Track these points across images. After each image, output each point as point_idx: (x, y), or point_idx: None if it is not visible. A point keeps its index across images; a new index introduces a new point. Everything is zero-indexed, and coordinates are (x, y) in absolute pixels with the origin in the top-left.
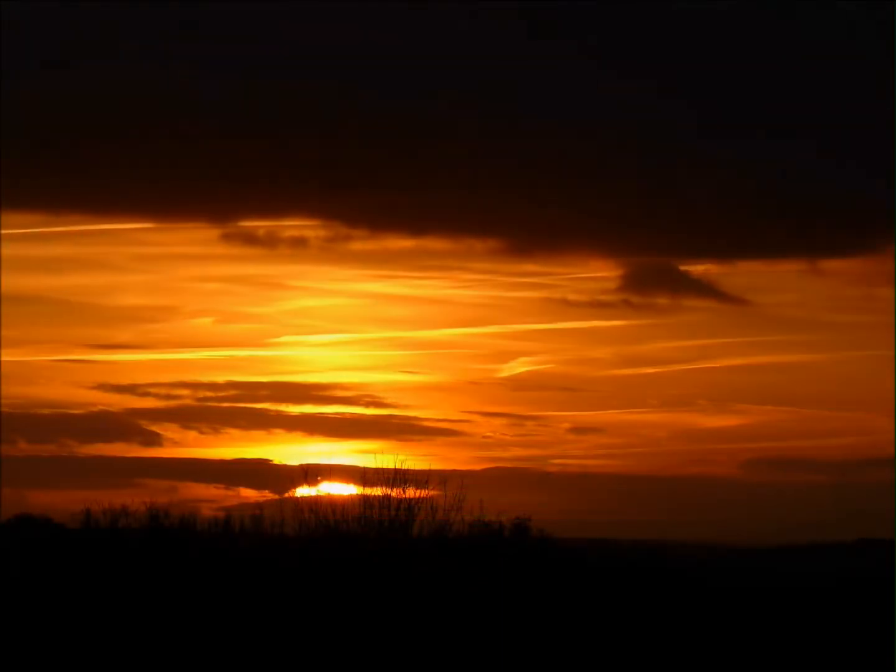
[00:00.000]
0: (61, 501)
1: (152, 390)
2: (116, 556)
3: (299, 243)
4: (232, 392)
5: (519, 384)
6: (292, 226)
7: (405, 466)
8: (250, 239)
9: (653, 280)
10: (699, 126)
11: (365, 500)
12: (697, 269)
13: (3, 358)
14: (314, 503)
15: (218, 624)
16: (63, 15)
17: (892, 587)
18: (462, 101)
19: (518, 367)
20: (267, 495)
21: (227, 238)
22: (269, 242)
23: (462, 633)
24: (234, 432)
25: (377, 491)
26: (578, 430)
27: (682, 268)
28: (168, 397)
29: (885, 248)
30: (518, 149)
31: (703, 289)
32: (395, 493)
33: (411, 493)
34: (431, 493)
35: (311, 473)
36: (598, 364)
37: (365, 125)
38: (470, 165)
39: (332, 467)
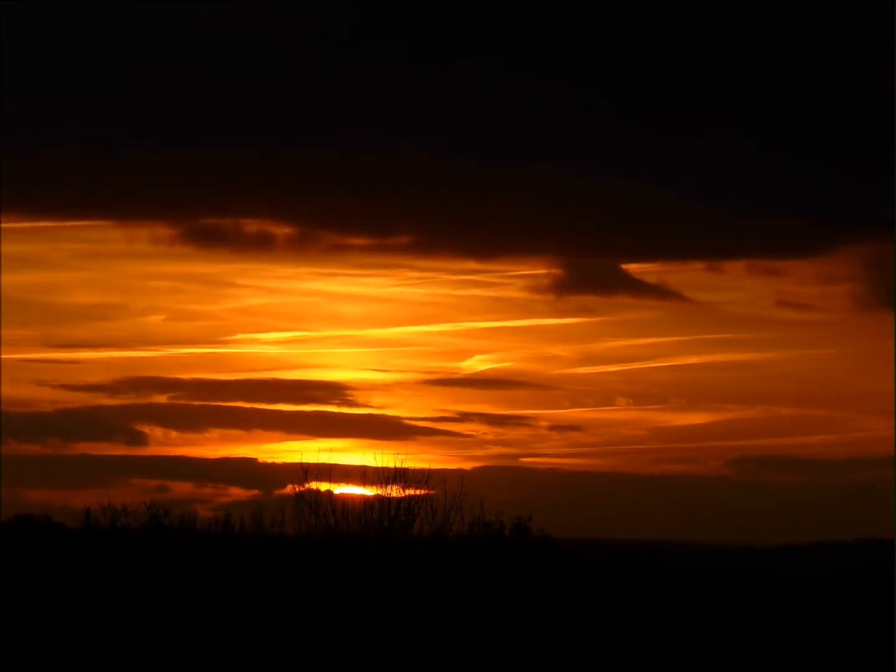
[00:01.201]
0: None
1: (121, 388)
2: (116, 555)
3: (247, 241)
4: (201, 390)
5: (486, 382)
6: (241, 224)
7: (404, 466)
8: (198, 237)
9: (597, 279)
10: (640, 126)
11: (365, 499)
12: (640, 268)
13: None
14: (314, 502)
15: (218, 623)
16: None
17: (892, 587)
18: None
19: (478, 365)
20: (258, 494)
21: (175, 236)
22: (217, 240)
23: (462, 632)
24: (214, 431)
25: (377, 490)
26: (557, 427)
27: (626, 267)
28: (139, 395)
29: (831, 249)
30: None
31: (648, 288)
32: (395, 492)
33: (411, 492)
34: (430, 492)
35: (310, 473)
36: (560, 362)
37: (319, 126)
38: (417, 166)
39: (331, 467)
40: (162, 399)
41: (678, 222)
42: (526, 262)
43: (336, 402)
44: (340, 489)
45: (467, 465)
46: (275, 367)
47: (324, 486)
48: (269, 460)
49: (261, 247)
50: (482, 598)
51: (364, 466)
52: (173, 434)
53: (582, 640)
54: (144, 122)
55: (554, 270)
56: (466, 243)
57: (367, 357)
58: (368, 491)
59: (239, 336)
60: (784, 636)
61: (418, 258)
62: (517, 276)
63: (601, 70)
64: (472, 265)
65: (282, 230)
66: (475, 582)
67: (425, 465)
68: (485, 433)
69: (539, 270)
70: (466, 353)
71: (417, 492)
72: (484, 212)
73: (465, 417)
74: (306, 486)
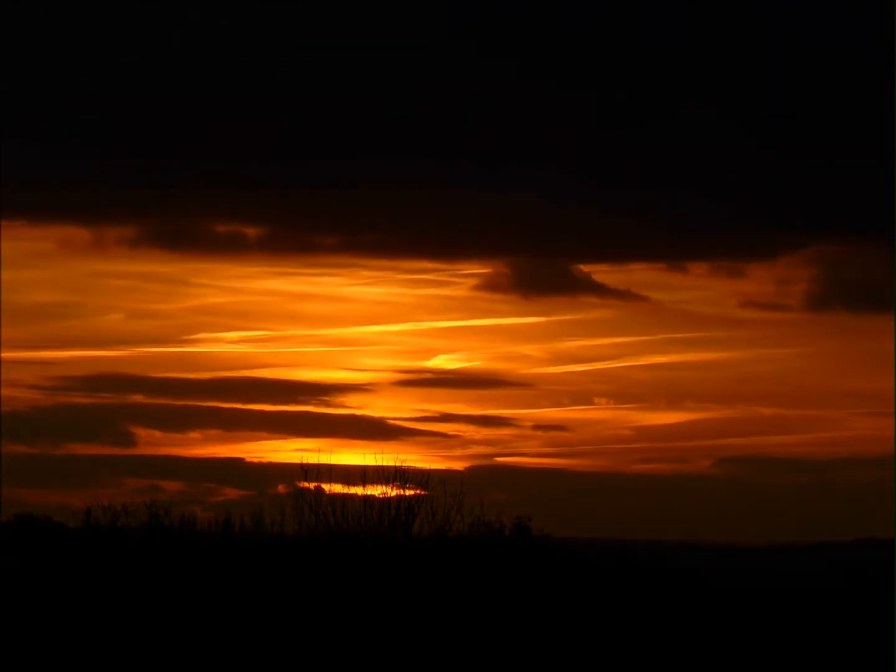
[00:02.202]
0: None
1: (96, 387)
2: (116, 555)
3: (204, 241)
4: (175, 389)
5: (462, 382)
6: (198, 224)
7: (404, 465)
8: (156, 236)
9: (558, 279)
10: (599, 123)
11: (365, 499)
12: (599, 269)
13: None
14: (314, 502)
15: (218, 623)
16: None
17: (892, 587)
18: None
19: (445, 364)
20: (250, 493)
21: (133, 235)
22: (174, 240)
23: (462, 632)
24: (195, 430)
25: (376, 490)
26: (541, 427)
27: (585, 268)
28: (115, 394)
29: (792, 251)
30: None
31: (608, 289)
32: (393, 492)
33: (402, 492)
34: (421, 492)
35: (309, 473)
36: (531, 361)
37: (274, 125)
38: (366, 163)
39: (331, 467)
40: (139, 398)
41: (639, 223)
42: (483, 261)
43: (314, 402)
44: (331, 488)
45: (458, 465)
46: (243, 366)
47: (322, 486)
48: (256, 460)
49: (218, 246)
50: (482, 598)
51: (364, 466)
52: (157, 434)
53: (582, 640)
54: (107, 125)
55: (508, 270)
56: (423, 242)
57: (334, 357)
58: (359, 491)
59: (202, 335)
60: (784, 636)
61: (374, 257)
62: (472, 275)
63: (565, 71)
64: (428, 264)
65: (240, 230)
66: (475, 582)
67: (423, 466)
68: (470, 433)
69: (500, 270)
70: (431, 353)
71: (409, 492)
72: (442, 212)
73: (446, 417)
74: (305, 485)
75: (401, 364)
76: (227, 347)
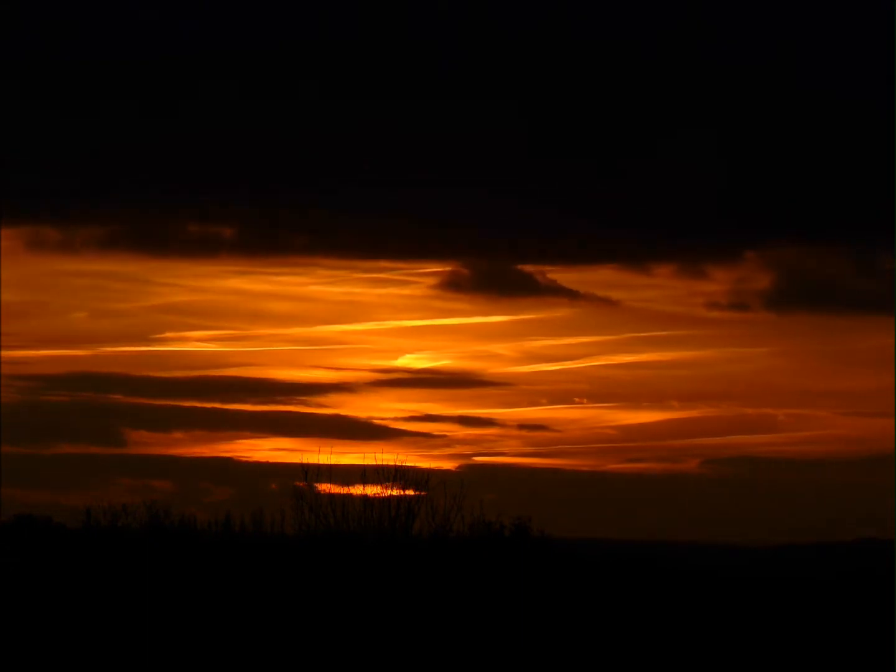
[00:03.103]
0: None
1: (74, 387)
2: (116, 555)
3: (168, 241)
4: (153, 388)
5: (436, 381)
6: (163, 224)
7: (402, 465)
8: (118, 235)
9: (519, 280)
10: (563, 128)
11: (365, 499)
12: (555, 269)
13: None
14: (314, 503)
15: (218, 623)
16: None
17: (892, 587)
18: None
19: (415, 363)
20: (245, 493)
21: (96, 235)
22: (138, 240)
23: (462, 632)
24: (180, 429)
25: (371, 490)
26: (524, 426)
27: (545, 269)
28: (96, 393)
29: (753, 253)
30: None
31: (563, 289)
32: (389, 492)
33: (396, 493)
34: (412, 492)
35: (310, 472)
36: (502, 360)
37: (233, 126)
38: (325, 164)
39: (330, 466)
40: (118, 397)
41: (601, 226)
42: (443, 261)
43: (293, 402)
44: (330, 488)
45: (447, 465)
46: (214, 364)
47: (317, 487)
48: (245, 459)
49: (180, 246)
50: (482, 597)
51: (364, 466)
52: (144, 433)
53: (581, 640)
54: (75, 127)
55: (467, 271)
56: (384, 243)
57: (303, 355)
58: (357, 491)
59: (169, 334)
60: (784, 636)
61: (335, 257)
62: (431, 275)
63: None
64: (387, 264)
65: (204, 230)
66: (475, 582)
67: (414, 465)
68: (455, 433)
69: (459, 270)
70: (397, 352)
71: (399, 492)
72: (402, 212)
73: (430, 417)
74: (304, 485)
75: (370, 363)
76: (196, 346)
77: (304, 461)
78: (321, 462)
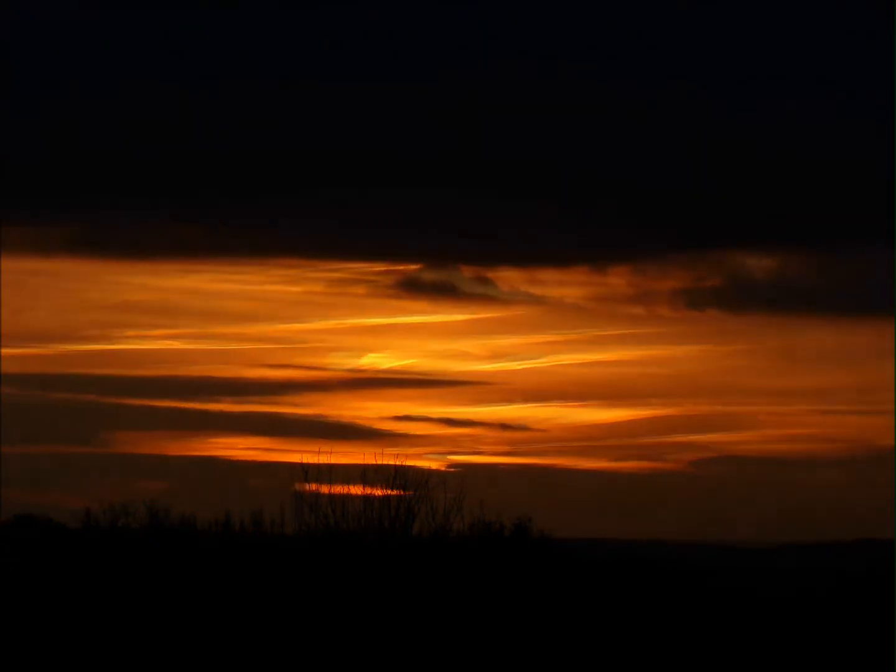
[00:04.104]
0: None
1: (49, 385)
2: (116, 555)
3: (122, 240)
4: (126, 388)
5: (403, 381)
6: (117, 223)
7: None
8: (73, 235)
9: (465, 281)
10: (501, 136)
11: (365, 499)
12: (508, 271)
13: None
14: (314, 503)
15: (218, 623)
16: None
17: (892, 587)
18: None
19: (382, 362)
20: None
21: (51, 234)
22: (91, 238)
23: (462, 632)
24: (160, 429)
25: (374, 490)
26: (503, 425)
27: (493, 269)
28: (71, 392)
29: (694, 256)
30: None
31: (515, 291)
32: (388, 492)
33: (386, 493)
34: (401, 492)
35: (310, 472)
36: (470, 358)
37: (185, 127)
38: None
39: (330, 466)
40: (91, 397)
41: (562, 228)
42: (402, 261)
43: (268, 401)
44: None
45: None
46: (176, 362)
47: (314, 486)
48: (229, 458)
49: (135, 246)
50: (482, 597)
51: (364, 465)
52: (124, 433)
53: (581, 639)
54: (28, 130)
55: (422, 271)
56: (338, 242)
57: (269, 354)
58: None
59: (129, 332)
60: (784, 636)
61: (288, 257)
62: (388, 273)
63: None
64: (341, 264)
65: (158, 229)
66: (475, 582)
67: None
68: (436, 432)
69: (414, 270)
70: (361, 350)
71: (390, 492)
72: (358, 212)
73: (411, 417)
74: (304, 485)
75: (336, 362)
76: (158, 344)
77: (304, 461)
78: (308, 462)
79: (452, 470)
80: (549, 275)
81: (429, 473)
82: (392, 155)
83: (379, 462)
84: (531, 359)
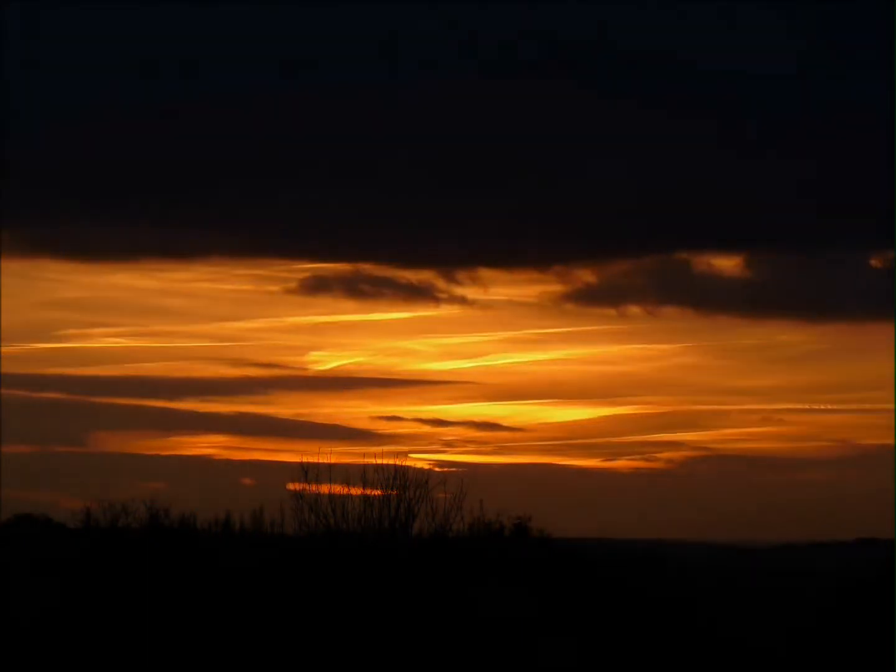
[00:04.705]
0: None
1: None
2: (116, 555)
3: (59, 240)
4: (88, 387)
5: (358, 381)
6: (56, 221)
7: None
8: (14, 237)
9: (393, 279)
10: (449, 138)
11: (365, 499)
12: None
13: None
14: (314, 503)
15: (218, 623)
16: None
17: (892, 587)
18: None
19: (330, 360)
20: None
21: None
22: (34, 240)
23: (462, 632)
24: (138, 428)
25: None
26: (475, 425)
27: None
28: (34, 391)
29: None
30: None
31: (455, 290)
32: (394, 492)
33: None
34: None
35: (310, 472)
36: (420, 356)
37: (128, 128)
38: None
39: (330, 466)
40: (54, 395)
41: (504, 229)
42: (343, 260)
43: (233, 400)
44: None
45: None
46: (127, 360)
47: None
48: (220, 458)
49: (72, 245)
50: (482, 597)
51: (364, 465)
52: (103, 433)
53: (581, 639)
54: None
55: (361, 269)
56: (272, 241)
57: (215, 351)
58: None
59: (70, 331)
60: (784, 636)
61: (226, 255)
62: (330, 272)
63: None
64: (276, 262)
65: (98, 228)
66: (475, 582)
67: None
68: (413, 431)
69: (347, 269)
70: (303, 349)
71: (377, 492)
72: (293, 210)
73: (379, 416)
74: (299, 486)
75: (283, 360)
76: (105, 342)
77: (305, 460)
78: (320, 461)
79: (451, 470)
80: (515, 274)
81: (428, 473)
82: (338, 152)
83: (378, 462)
84: (483, 358)
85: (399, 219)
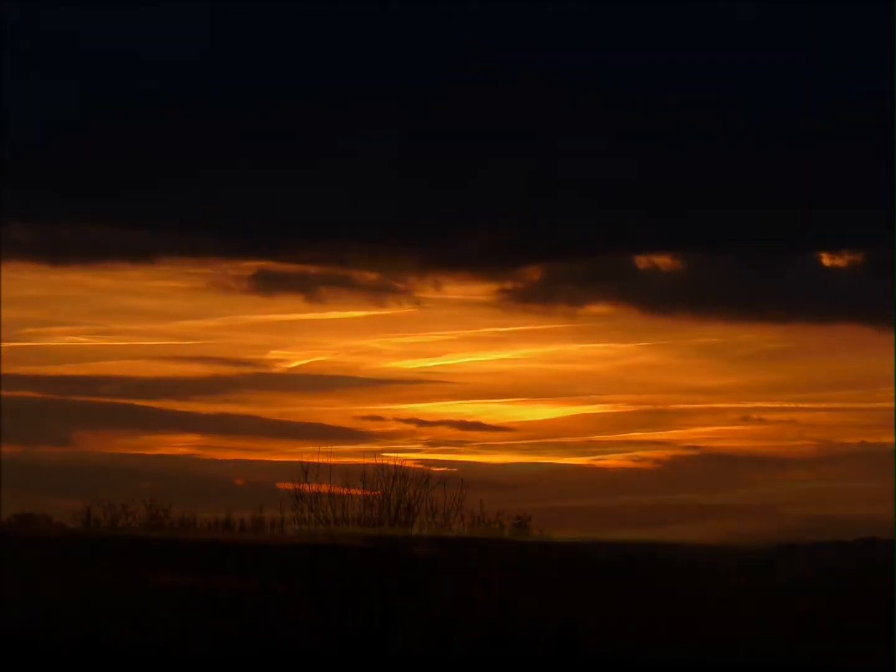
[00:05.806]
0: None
1: None
2: (116, 555)
3: (13, 238)
4: (63, 386)
5: (328, 379)
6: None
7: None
8: None
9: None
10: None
11: (365, 499)
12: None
13: None
14: (314, 503)
15: (218, 623)
16: None
17: (892, 587)
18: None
19: (292, 359)
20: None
21: None
22: None
23: (462, 632)
24: (117, 428)
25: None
26: (457, 424)
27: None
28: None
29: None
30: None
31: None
32: (394, 492)
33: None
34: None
35: (310, 472)
36: (384, 355)
37: (104, 129)
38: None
39: (330, 466)
40: (29, 393)
41: (439, 230)
42: (310, 256)
43: (221, 401)
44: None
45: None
46: (93, 359)
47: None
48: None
49: (27, 245)
50: (482, 598)
51: (364, 464)
52: (85, 433)
53: (580, 639)
54: None
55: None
56: (220, 237)
57: (175, 350)
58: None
59: (29, 330)
60: (784, 636)
61: (175, 254)
62: (293, 271)
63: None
64: (219, 260)
65: (48, 225)
66: (474, 582)
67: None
68: (400, 429)
69: (310, 267)
70: (264, 347)
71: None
72: (261, 205)
73: (362, 416)
74: (296, 486)
75: (246, 357)
76: (67, 341)
77: (304, 460)
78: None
79: (450, 470)
80: (469, 273)
81: (428, 473)
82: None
83: (378, 462)
84: (445, 357)
85: (353, 217)
